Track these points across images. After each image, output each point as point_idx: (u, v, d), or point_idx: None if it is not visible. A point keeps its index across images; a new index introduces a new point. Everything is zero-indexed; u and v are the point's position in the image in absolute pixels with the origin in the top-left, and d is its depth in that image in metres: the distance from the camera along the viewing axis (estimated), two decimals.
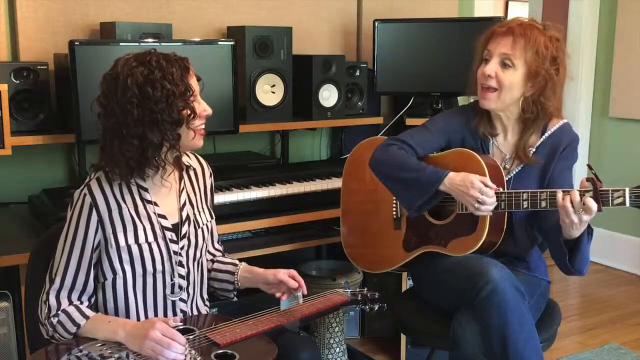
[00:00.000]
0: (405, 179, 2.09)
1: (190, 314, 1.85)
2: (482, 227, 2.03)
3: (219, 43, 2.64)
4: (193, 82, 1.73)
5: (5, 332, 2.20)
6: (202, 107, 1.75)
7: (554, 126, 2.12)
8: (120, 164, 1.68)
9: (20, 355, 2.23)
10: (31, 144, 2.42)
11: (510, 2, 8.45)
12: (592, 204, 1.82)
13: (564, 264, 1.99)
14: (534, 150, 2.11)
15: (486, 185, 1.97)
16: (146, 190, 1.76)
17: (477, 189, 1.96)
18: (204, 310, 1.91)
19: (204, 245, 1.89)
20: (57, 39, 2.65)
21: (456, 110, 2.32)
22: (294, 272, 1.91)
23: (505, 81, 2.04)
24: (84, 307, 1.72)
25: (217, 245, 2.05)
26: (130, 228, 1.73)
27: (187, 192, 1.86)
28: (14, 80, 2.36)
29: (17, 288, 2.16)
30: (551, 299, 2.25)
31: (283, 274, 1.88)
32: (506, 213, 2.05)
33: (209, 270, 1.98)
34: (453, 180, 2.01)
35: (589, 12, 4.28)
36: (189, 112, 1.69)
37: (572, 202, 1.84)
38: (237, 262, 2.00)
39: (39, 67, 2.41)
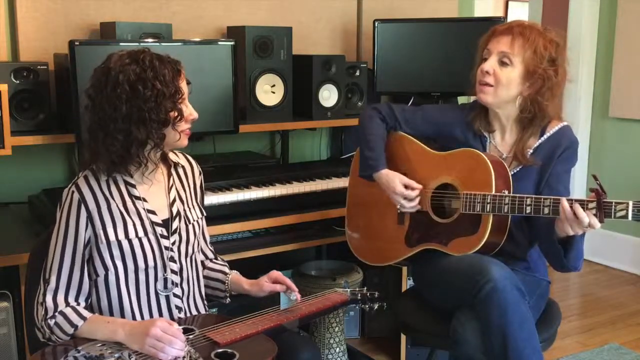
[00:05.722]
0: (362, 150, 2.27)
1: (187, 311, 1.85)
2: (484, 227, 2.02)
3: (219, 43, 2.64)
4: (183, 85, 1.74)
5: (5, 332, 2.20)
6: (189, 111, 1.77)
7: (552, 128, 2.12)
8: (103, 158, 1.69)
9: (20, 355, 2.23)
10: (31, 144, 2.42)
11: (510, 2, 8.46)
12: (596, 223, 1.84)
13: (559, 261, 1.99)
14: (531, 151, 2.11)
15: (410, 187, 2.12)
16: (134, 186, 1.77)
17: (399, 195, 2.14)
18: (202, 308, 1.91)
19: (196, 241, 1.90)
20: (57, 39, 2.65)
21: (453, 105, 2.33)
22: (275, 274, 1.93)
23: (502, 78, 2.05)
24: (80, 309, 1.71)
25: (209, 246, 2.06)
26: (119, 224, 1.73)
27: (176, 188, 1.86)
28: (14, 80, 2.36)
29: (17, 288, 2.16)
30: (551, 298, 2.25)
31: (268, 285, 1.91)
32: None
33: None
34: (380, 179, 2.20)
35: (589, 12, 4.28)
36: (176, 114, 1.71)
37: (575, 215, 1.85)
38: (226, 269, 2.01)
39: (39, 67, 2.41)
